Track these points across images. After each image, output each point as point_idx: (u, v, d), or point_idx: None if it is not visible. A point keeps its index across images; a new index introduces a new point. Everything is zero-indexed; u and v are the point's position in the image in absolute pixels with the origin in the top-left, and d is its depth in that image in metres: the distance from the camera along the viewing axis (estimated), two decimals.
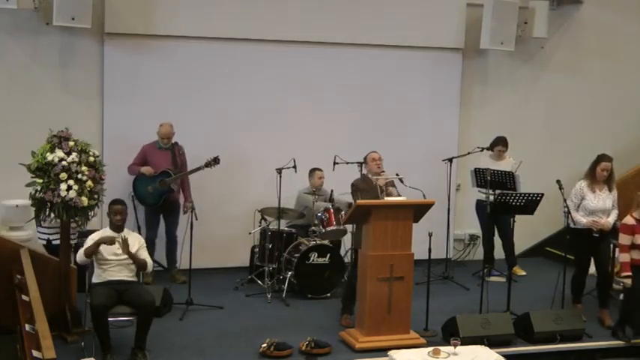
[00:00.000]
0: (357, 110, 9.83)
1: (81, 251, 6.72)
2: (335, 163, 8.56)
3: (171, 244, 8.92)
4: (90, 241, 6.76)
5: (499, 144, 9.47)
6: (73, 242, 7.68)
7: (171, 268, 8.97)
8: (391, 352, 6.24)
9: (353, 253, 7.82)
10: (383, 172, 7.67)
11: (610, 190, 7.93)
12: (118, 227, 6.82)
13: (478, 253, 10.06)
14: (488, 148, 9.52)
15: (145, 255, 6.87)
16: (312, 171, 9.03)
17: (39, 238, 7.92)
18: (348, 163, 8.62)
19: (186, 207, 8.66)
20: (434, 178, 9.37)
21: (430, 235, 7.24)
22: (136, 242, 6.86)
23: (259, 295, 8.49)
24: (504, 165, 9.37)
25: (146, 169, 8.60)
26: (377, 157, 7.80)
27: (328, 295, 8.58)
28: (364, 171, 7.91)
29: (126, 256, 6.73)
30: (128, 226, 7.29)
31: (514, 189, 9.00)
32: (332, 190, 8.88)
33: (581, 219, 7.77)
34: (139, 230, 8.73)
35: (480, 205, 9.42)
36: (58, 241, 7.41)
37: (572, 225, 7.84)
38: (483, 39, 10.01)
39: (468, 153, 9.62)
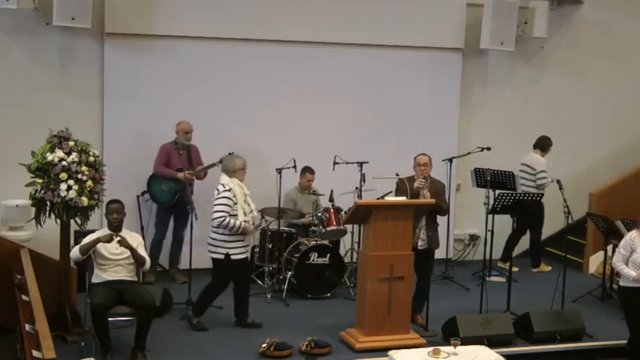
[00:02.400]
0: (357, 110, 9.83)
1: (76, 248, 6.71)
2: (335, 163, 8.55)
3: (176, 245, 8.92)
4: (88, 239, 6.76)
5: (551, 143, 9.80)
6: None
7: (172, 268, 8.96)
8: (391, 352, 6.23)
9: None
10: (424, 178, 7.49)
11: None
12: (115, 227, 6.82)
13: (478, 253, 10.05)
14: (539, 147, 9.78)
15: (142, 252, 6.88)
16: (304, 171, 9.02)
17: (210, 251, 7.34)
18: (348, 163, 8.62)
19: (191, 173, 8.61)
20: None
21: (430, 234, 7.24)
22: (134, 241, 6.87)
23: (259, 295, 8.49)
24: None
25: (182, 176, 8.53)
26: (422, 161, 7.57)
27: (328, 295, 8.58)
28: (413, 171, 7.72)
29: (125, 257, 6.75)
30: (132, 226, 7.29)
31: (514, 189, 9.01)
32: (332, 191, 8.87)
33: (630, 272, 6.75)
34: (143, 231, 8.73)
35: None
36: (241, 255, 7.31)
37: (621, 282, 7.03)
38: (483, 39, 10.01)
39: (468, 153, 9.62)
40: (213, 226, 7.25)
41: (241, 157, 7.50)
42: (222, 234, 7.25)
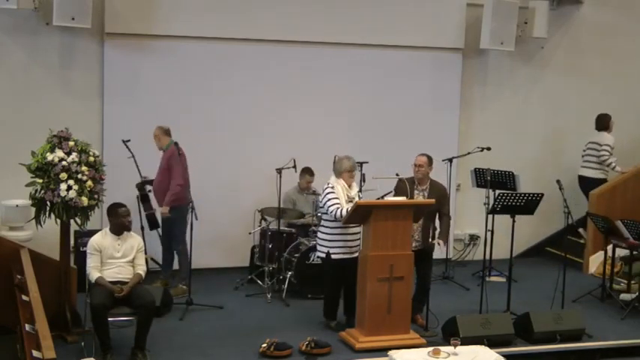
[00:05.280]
0: (357, 110, 9.83)
1: (96, 275, 6.65)
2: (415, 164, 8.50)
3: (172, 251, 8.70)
4: (93, 250, 6.71)
5: (609, 117, 10.14)
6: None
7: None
8: (391, 352, 6.23)
9: None
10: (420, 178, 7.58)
11: None
12: (123, 228, 6.82)
13: (478, 253, 10.06)
14: (601, 127, 10.12)
15: (141, 261, 6.88)
16: (303, 173, 9.02)
17: (317, 250, 7.61)
18: None
19: (162, 213, 8.36)
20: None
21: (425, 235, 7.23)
22: (135, 245, 6.87)
23: (259, 295, 8.49)
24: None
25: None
26: (417, 162, 7.63)
27: None
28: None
29: (125, 258, 6.77)
30: (133, 227, 7.27)
31: (514, 189, 9.01)
32: None
33: None
34: (142, 231, 8.72)
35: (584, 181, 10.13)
36: (342, 255, 7.35)
37: None
38: (483, 39, 10.01)
39: (468, 153, 9.62)
40: (324, 224, 7.43)
41: (351, 158, 7.53)
42: (324, 233, 7.45)
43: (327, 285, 7.65)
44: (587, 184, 10.05)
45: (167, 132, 8.42)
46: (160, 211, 8.45)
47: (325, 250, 7.45)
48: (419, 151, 9.59)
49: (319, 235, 7.56)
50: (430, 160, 7.71)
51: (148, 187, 8.65)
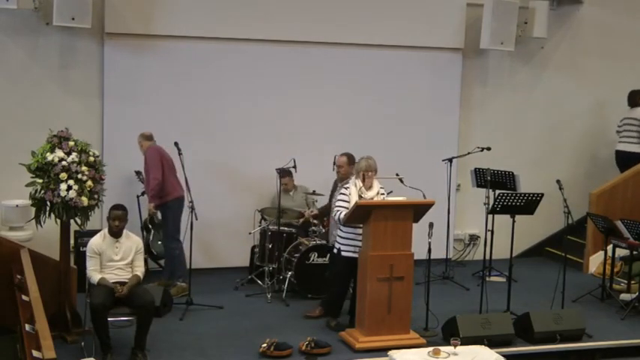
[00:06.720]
0: (356, 110, 9.82)
1: (97, 277, 6.63)
2: (335, 164, 8.55)
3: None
4: (93, 253, 6.70)
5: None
6: None
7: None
8: (391, 352, 6.24)
9: None
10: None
11: None
12: (114, 233, 6.79)
13: (478, 253, 10.06)
14: (636, 104, 10.24)
15: (139, 262, 6.86)
16: (280, 177, 8.93)
17: (334, 246, 7.68)
18: None
19: (148, 209, 8.48)
20: (434, 178, 9.37)
21: (431, 225, 7.23)
22: (133, 247, 6.85)
23: (259, 295, 8.49)
24: None
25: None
26: (337, 162, 8.03)
27: None
28: None
29: (124, 261, 6.76)
30: (132, 226, 7.26)
31: (514, 189, 9.00)
32: None
33: None
34: (143, 232, 8.72)
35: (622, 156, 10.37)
36: (351, 254, 7.33)
37: None
38: (483, 39, 10.01)
39: (468, 153, 9.62)
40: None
41: (370, 159, 7.52)
42: (340, 229, 7.51)
43: (334, 281, 7.68)
44: (628, 159, 10.21)
45: (148, 137, 8.46)
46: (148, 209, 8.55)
47: (338, 246, 7.52)
48: (419, 151, 9.68)
49: (337, 232, 7.62)
50: (350, 159, 7.97)
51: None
